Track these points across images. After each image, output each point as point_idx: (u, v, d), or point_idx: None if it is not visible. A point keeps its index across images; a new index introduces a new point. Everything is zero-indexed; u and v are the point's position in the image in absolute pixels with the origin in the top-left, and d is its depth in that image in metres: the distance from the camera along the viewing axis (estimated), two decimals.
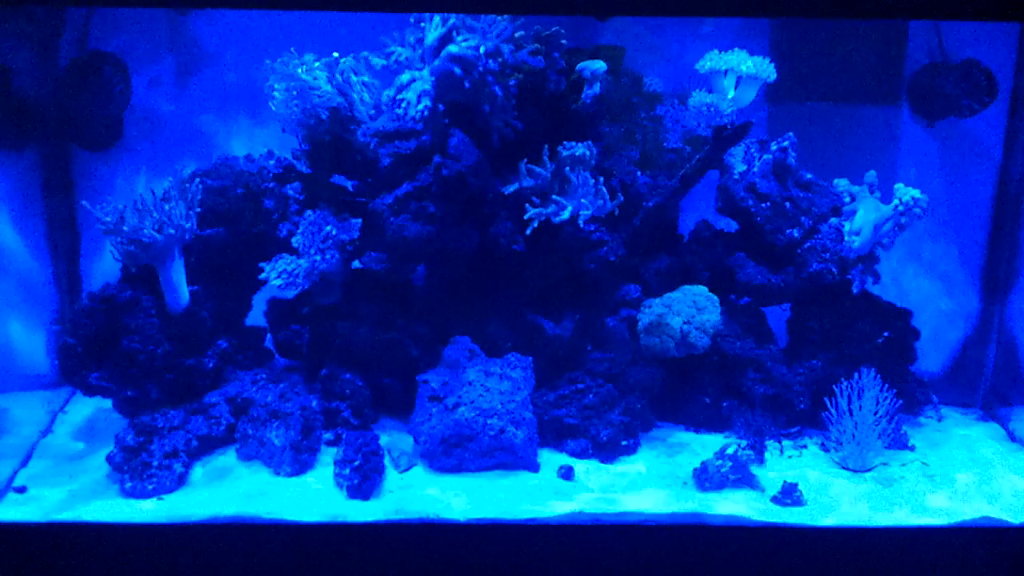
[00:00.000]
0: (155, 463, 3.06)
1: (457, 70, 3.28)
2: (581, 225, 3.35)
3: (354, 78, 3.47)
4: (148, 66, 3.83)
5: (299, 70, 3.40)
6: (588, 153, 3.39)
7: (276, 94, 3.41)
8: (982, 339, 4.03)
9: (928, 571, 2.97)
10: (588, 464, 3.31)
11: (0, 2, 3.60)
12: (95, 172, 3.87)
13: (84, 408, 3.60)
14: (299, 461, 3.18)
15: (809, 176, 3.70)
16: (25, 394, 3.71)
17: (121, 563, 2.89)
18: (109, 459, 3.11)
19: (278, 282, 3.35)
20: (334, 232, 3.37)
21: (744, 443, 3.34)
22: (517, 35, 3.32)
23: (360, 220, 3.44)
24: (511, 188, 3.41)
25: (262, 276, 3.37)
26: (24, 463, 3.25)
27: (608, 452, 3.34)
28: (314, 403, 3.35)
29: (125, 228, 3.17)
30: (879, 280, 3.59)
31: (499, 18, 3.29)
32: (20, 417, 3.53)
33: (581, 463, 3.31)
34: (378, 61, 3.46)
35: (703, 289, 3.54)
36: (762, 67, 3.48)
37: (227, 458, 3.27)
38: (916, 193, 3.49)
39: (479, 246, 3.48)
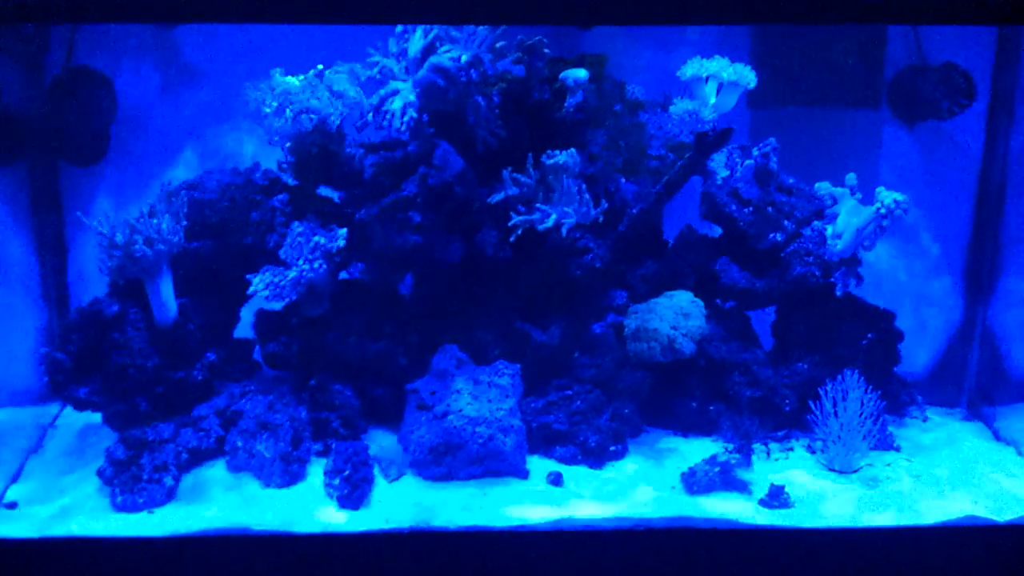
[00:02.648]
0: (145, 476, 3.07)
1: (440, 80, 3.31)
2: (564, 233, 3.37)
3: (339, 89, 3.49)
4: (134, 81, 3.84)
5: (285, 82, 3.43)
6: (571, 161, 3.41)
7: (264, 108, 3.43)
8: (966, 339, 4.06)
9: (914, 570, 2.99)
10: (577, 470, 3.33)
11: None
12: (82, 187, 3.88)
13: (74, 423, 3.60)
14: (289, 472, 3.20)
15: (791, 180, 3.73)
16: (14, 409, 3.71)
17: None
18: (99, 473, 3.12)
19: (266, 293, 3.37)
20: (322, 242, 3.39)
21: (731, 446, 3.36)
22: (498, 45, 3.35)
23: (347, 230, 3.46)
24: (497, 197, 3.43)
25: (250, 289, 3.38)
26: (14, 479, 3.26)
27: (597, 458, 3.36)
28: (303, 414, 3.37)
29: (119, 241, 3.19)
30: (862, 282, 3.61)
31: (480, 29, 3.31)
32: (10, 432, 3.53)
33: (570, 469, 3.32)
34: (364, 72, 3.49)
35: (688, 294, 3.56)
36: (743, 73, 3.51)
37: (217, 470, 3.28)
38: (898, 196, 3.52)
39: (465, 255, 3.50)
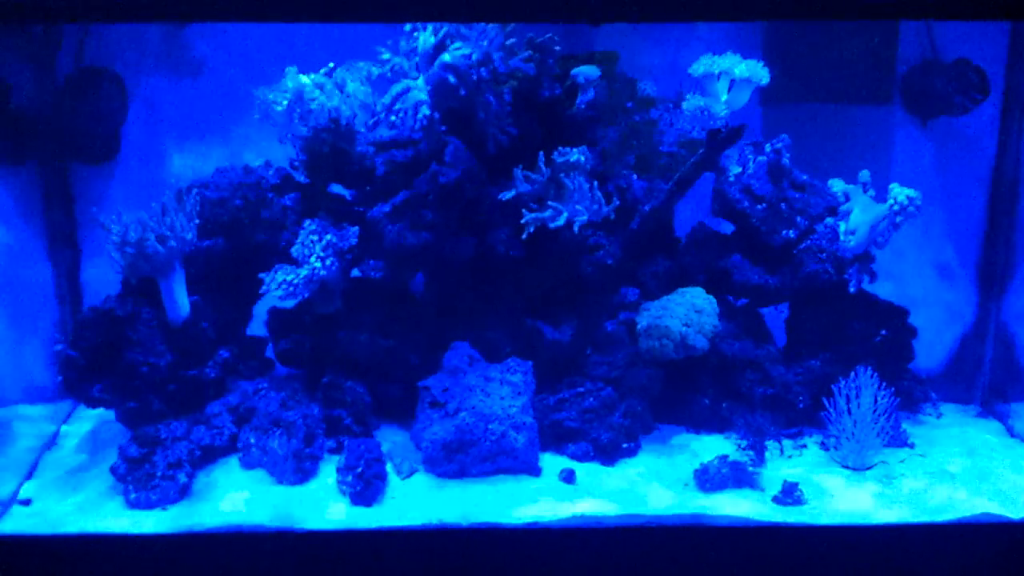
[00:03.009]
0: (159, 474, 3.08)
1: (451, 78, 3.31)
2: (576, 231, 3.36)
3: (350, 88, 3.50)
4: (145, 80, 3.85)
5: (297, 80, 3.43)
6: (583, 158, 3.41)
7: (276, 107, 3.43)
8: (979, 336, 4.04)
9: (928, 568, 2.98)
10: (589, 467, 3.32)
11: None
12: (94, 186, 3.89)
13: (87, 420, 3.62)
14: (302, 469, 3.20)
15: (804, 177, 3.72)
16: (28, 407, 3.73)
17: (126, 574, 2.90)
18: (113, 470, 3.13)
19: (278, 292, 3.37)
20: (333, 241, 3.39)
21: (744, 443, 3.36)
22: (508, 42, 3.34)
23: (358, 228, 3.46)
24: (508, 194, 3.43)
25: (263, 287, 3.39)
26: (29, 476, 3.27)
27: (609, 455, 3.36)
28: (316, 411, 3.37)
29: (131, 239, 3.20)
30: (875, 279, 3.61)
31: (491, 26, 3.31)
32: (24, 430, 3.55)
33: (582, 466, 3.32)
34: (374, 70, 3.49)
35: (700, 291, 3.56)
36: (755, 70, 3.50)
37: (230, 467, 3.29)
38: (911, 192, 3.51)
39: (477, 252, 3.50)
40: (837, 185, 3.69)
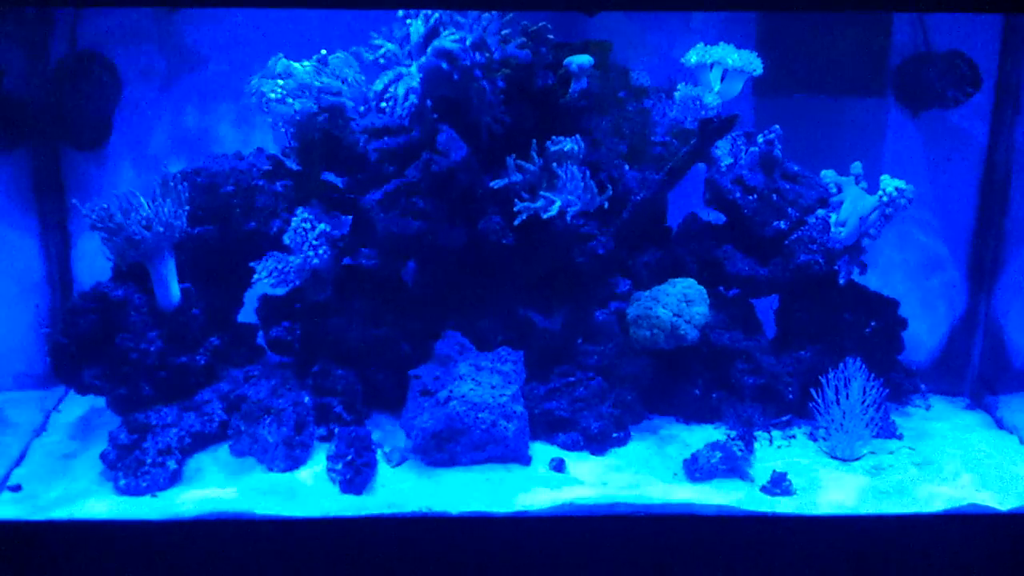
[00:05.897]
0: (149, 460, 3.08)
1: (444, 65, 3.30)
2: (568, 220, 3.36)
3: (342, 74, 3.49)
4: (137, 66, 3.84)
5: (289, 67, 3.42)
6: (576, 148, 3.41)
7: (270, 94, 3.42)
8: (969, 328, 4.05)
9: (915, 558, 3.00)
10: (579, 456, 3.33)
11: None
12: (86, 172, 3.88)
13: (77, 406, 3.61)
14: (292, 457, 3.20)
15: (796, 168, 3.72)
16: (18, 393, 3.72)
17: (116, 560, 2.91)
18: (103, 457, 3.13)
19: (270, 279, 3.37)
20: (326, 229, 3.39)
21: (734, 434, 3.37)
22: (504, 32, 3.34)
23: (350, 216, 3.46)
24: (500, 183, 3.42)
25: (254, 276, 3.38)
26: (18, 462, 3.27)
27: (599, 444, 3.37)
28: (306, 399, 3.37)
29: (112, 225, 3.18)
30: (865, 270, 3.61)
31: (484, 14, 3.30)
32: (14, 416, 3.54)
33: (572, 455, 3.33)
34: (368, 56, 3.48)
35: (692, 281, 3.56)
36: (748, 60, 3.50)
37: (220, 455, 3.29)
38: (901, 184, 3.51)
39: (469, 241, 3.50)
40: (829, 176, 3.69)
